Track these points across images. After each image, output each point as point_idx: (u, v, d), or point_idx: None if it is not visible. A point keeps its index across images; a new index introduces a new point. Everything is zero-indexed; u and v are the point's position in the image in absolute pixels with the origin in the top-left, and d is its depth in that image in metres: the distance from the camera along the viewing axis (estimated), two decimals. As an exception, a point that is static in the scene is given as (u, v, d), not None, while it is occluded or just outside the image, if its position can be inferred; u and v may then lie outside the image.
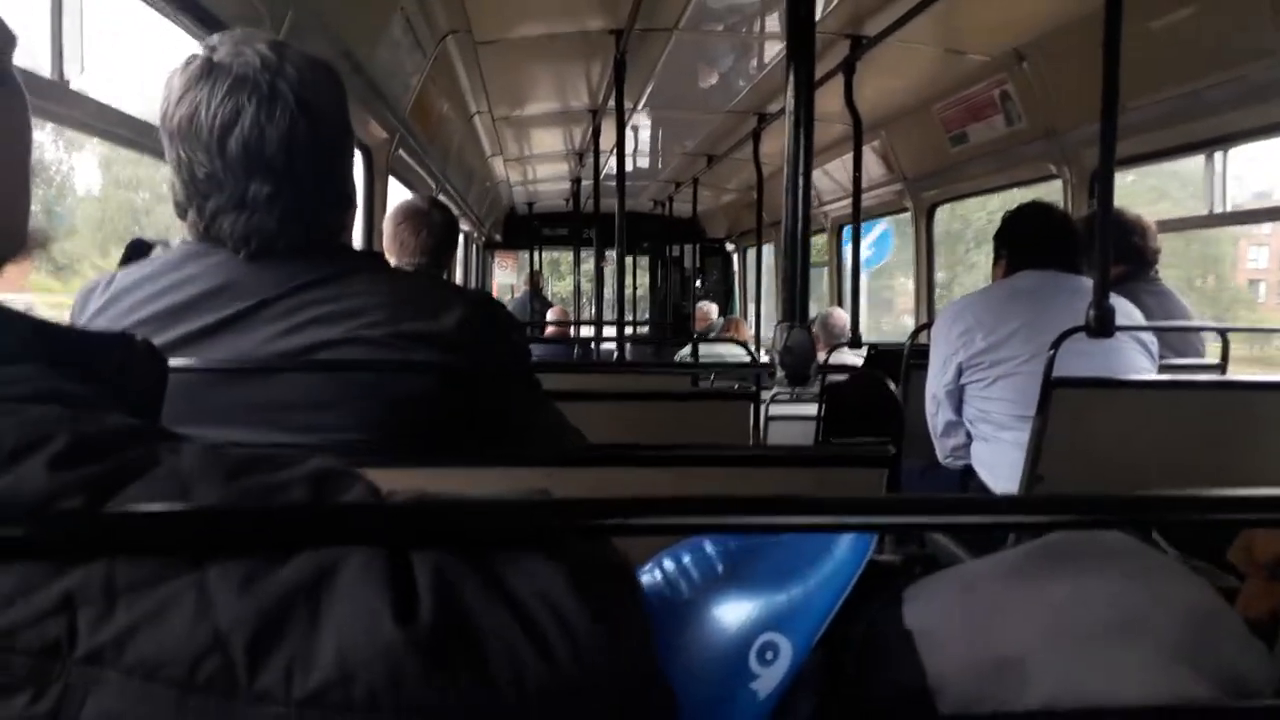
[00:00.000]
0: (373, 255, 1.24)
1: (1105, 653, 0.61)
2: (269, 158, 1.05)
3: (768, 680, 0.64)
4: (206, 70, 1.05)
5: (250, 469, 0.52)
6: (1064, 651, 0.62)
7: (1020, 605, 0.66)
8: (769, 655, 0.65)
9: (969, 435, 2.54)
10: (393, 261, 2.57)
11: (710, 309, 7.74)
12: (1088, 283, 2.20)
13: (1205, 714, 0.61)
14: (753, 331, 6.58)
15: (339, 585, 0.46)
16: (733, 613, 0.66)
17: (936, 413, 2.59)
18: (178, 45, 1.95)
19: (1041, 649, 0.63)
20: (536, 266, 9.84)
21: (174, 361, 1.02)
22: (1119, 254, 2.77)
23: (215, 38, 1.09)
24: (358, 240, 3.35)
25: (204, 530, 0.46)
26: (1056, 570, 0.67)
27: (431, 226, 2.63)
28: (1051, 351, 1.97)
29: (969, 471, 2.55)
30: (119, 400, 0.60)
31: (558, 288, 11.95)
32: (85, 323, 1.12)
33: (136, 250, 1.28)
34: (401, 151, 3.74)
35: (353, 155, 1.20)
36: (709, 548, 0.70)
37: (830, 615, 0.66)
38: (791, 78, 1.19)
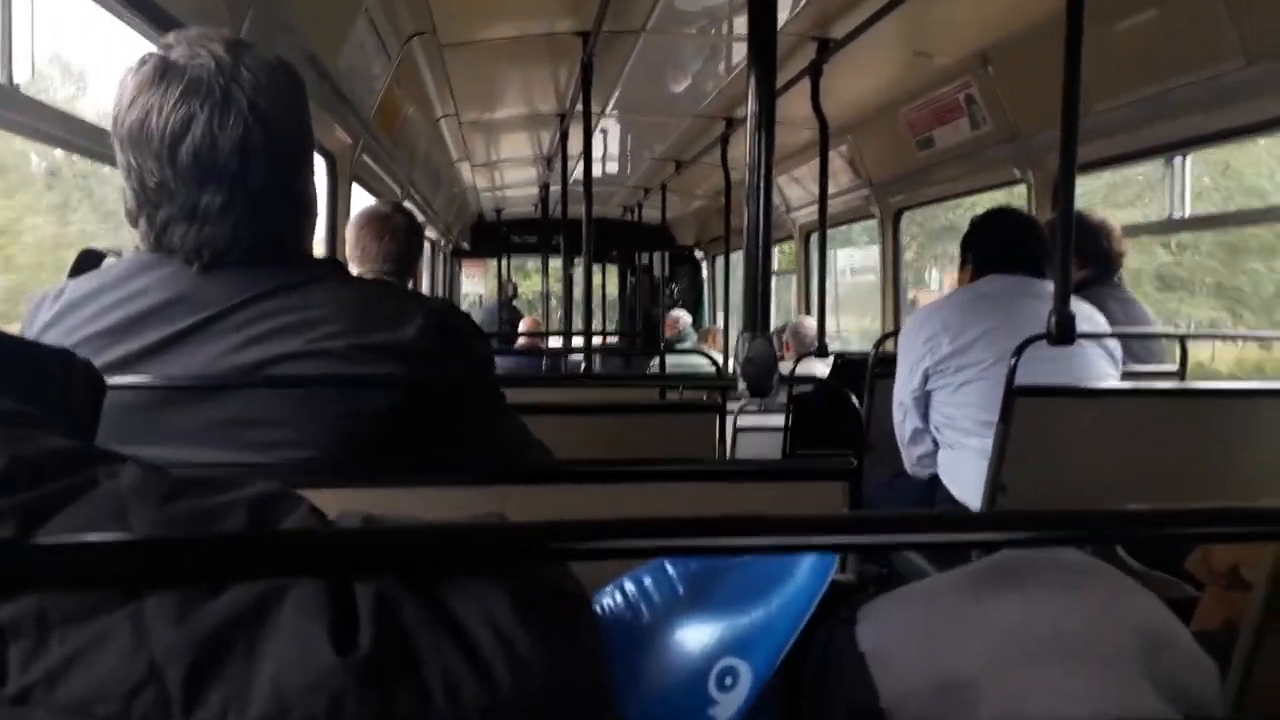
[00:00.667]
0: (332, 263, 1.21)
1: (1057, 670, 0.61)
2: (221, 167, 1.02)
3: (727, 706, 0.63)
4: (160, 73, 1.02)
5: (189, 492, 0.50)
6: (1016, 670, 0.62)
7: (972, 623, 0.65)
8: (728, 681, 0.63)
9: (935, 443, 2.55)
10: (355, 270, 2.53)
11: (681, 317, 7.74)
12: (1053, 287, 2.21)
13: None
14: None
15: (279, 614, 0.45)
16: (693, 637, 0.65)
17: (903, 420, 2.59)
18: (132, 44, 1.92)
19: (993, 668, 0.62)
20: (506, 275, 9.80)
21: (127, 379, 1.00)
22: (1084, 258, 2.80)
23: (172, 36, 1.06)
24: (320, 248, 3.31)
25: (140, 560, 0.44)
26: (1009, 587, 0.66)
27: (395, 232, 2.59)
28: (1014, 359, 1.97)
29: (935, 480, 2.55)
30: (58, 420, 0.58)
31: (524, 288, 11.91)
32: (34, 336, 1.08)
33: (87, 261, 1.25)
34: (366, 157, 3.70)
35: (313, 162, 1.16)
36: (670, 569, 0.69)
37: (791, 639, 0.65)
38: (753, 81, 1.17)
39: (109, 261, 1.16)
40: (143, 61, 1.04)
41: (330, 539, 0.49)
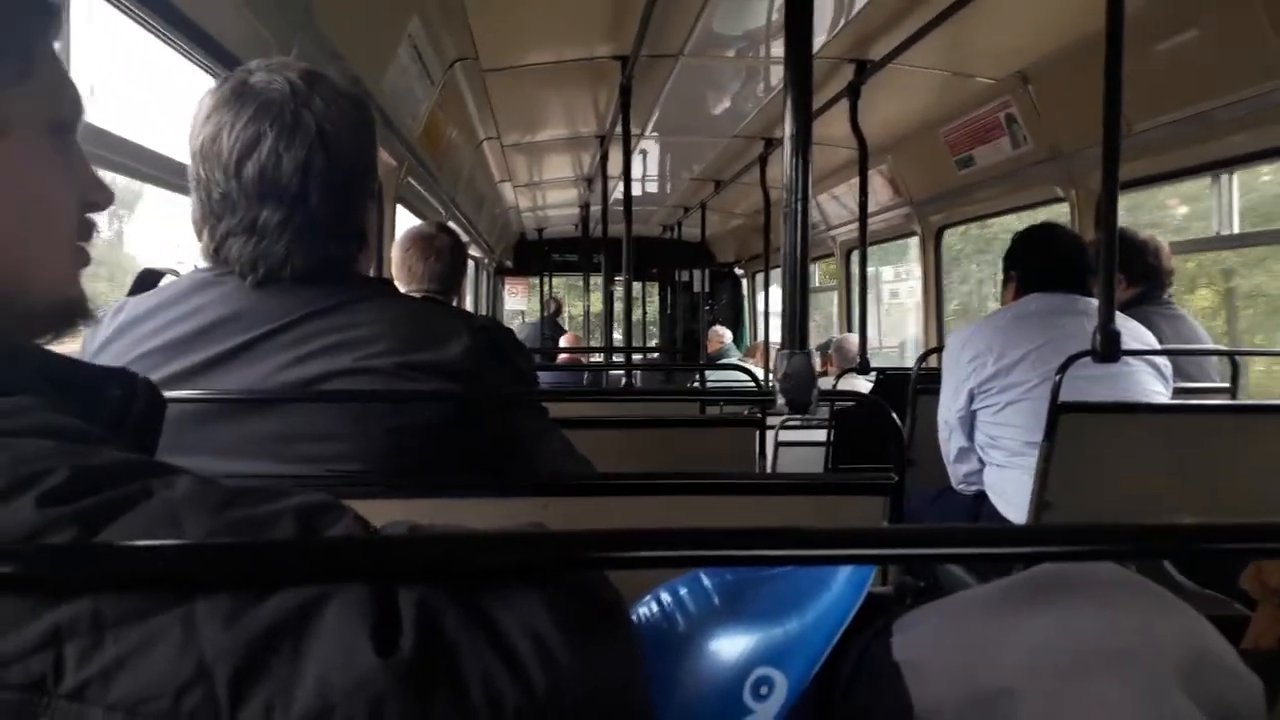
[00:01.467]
0: (382, 282, 1.24)
1: (1094, 685, 0.60)
2: (283, 186, 1.06)
3: (763, 715, 0.63)
4: (237, 93, 1.07)
5: (239, 501, 0.52)
6: (1052, 683, 0.61)
7: (1009, 636, 0.65)
8: (764, 690, 0.64)
9: (981, 461, 2.52)
10: (402, 289, 2.58)
11: (722, 333, 7.77)
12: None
13: None
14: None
15: (323, 619, 0.46)
16: (728, 647, 0.66)
17: (949, 439, 2.56)
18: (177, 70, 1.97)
19: (1030, 681, 0.62)
20: (550, 292, 9.87)
21: (182, 393, 1.04)
22: (1133, 275, 2.77)
23: (254, 63, 1.11)
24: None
25: (193, 565, 0.46)
26: (1046, 601, 0.66)
27: (440, 252, 2.63)
28: (1058, 376, 1.95)
29: (981, 497, 2.52)
30: (117, 435, 0.61)
31: (575, 309, 11.98)
32: (94, 352, 1.12)
33: (146, 280, 1.29)
34: (410, 179, 3.77)
35: (372, 193, 1.19)
36: (706, 580, 0.69)
37: (827, 649, 0.65)
38: (790, 104, 1.18)
39: (167, 280, 1.20)
40: (223, 81, 1.10)
41: (376, 546, 0.51)
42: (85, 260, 0.68)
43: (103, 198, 0.69)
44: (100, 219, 0.71)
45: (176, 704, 0.43)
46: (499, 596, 0.49)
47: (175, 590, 0.46)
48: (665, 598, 0.69)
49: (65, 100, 0.65)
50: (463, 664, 0.46)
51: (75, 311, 0.68)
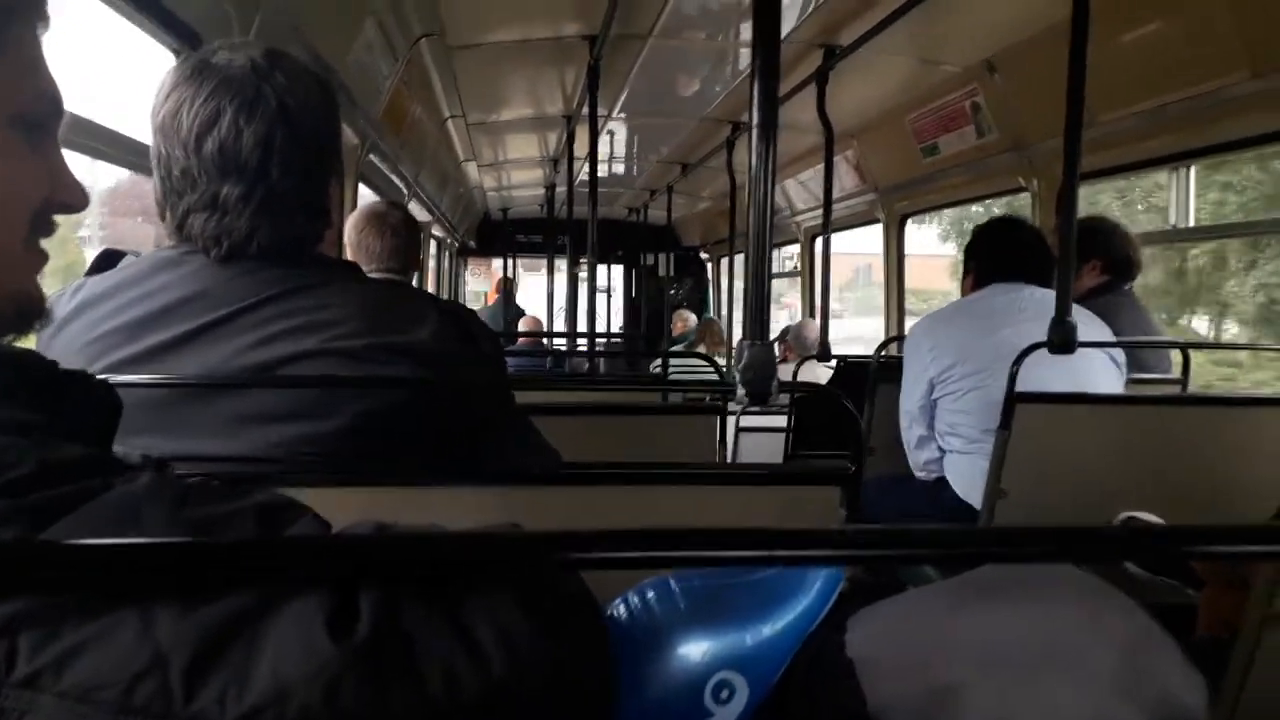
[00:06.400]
0: (347, 265, 1.23)
1: (1041, 682, 0.62)
2: (244, 159, 1.06)
3: (723, 718, 0.64)
4: (198, 70, 1.07)
5: (198, 499, 0.52)
6: (1000, 681, 0.62)
7: (960, 634, 0.66)
8: (724, 694, 0.64)
9: (940, 449, 2.55)
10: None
11: (688, 316, 7.83)
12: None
13: None
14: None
15: (280, 609, 0.46)
16: (692, 650, 0.66)
17: (910, 427, 2.60)
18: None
19: (978, 678, 0.63)
20: (512, 274, 9.79)
21: (143, 376, 1.02)
22: (1107, 263, 2.82)
23: (216, 43, 1.11)
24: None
25: (152, 566, 0.45)
26: (997, 599, 0.67)
27: (394, 228, 2.62)
28: (1015, 367, 1.98)
29: (941, 483, 2.56)
30: (74, 432, 0.60)
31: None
32: (51, 333, 1.10)
33: (106, 260, 1.26)
34: (372, 156, 3.72)
35: (334, 172, 1.19)
36: (674, 584, 0.69)
37: (790, 655, 0.66)
38: (757, 89, 1.18)
39: (127, 260, 1.18)
40: (184, 59, 1.10)
41: (341, 549, 0.50)
42: (42, 259, 0.66)
43: (76, 200, 0.66)
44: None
45: (129, 693, 0.43)
46: (470, 588, 0.50)
47: (136, 590, 0.45)
48: (633, 600, 0.69)
49: (31, 93, 0.62)
50: (420, 649, 0.47)
51: (29, 311, 0.66)
